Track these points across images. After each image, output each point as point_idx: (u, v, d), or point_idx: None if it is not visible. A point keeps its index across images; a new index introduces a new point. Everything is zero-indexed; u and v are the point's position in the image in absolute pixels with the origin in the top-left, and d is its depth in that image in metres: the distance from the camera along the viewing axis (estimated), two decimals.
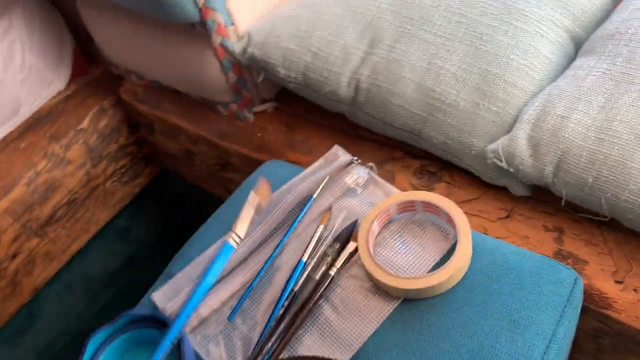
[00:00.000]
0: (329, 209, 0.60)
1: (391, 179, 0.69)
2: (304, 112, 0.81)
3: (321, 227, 0.58)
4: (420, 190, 0.67)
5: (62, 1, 0.99)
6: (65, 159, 0.91)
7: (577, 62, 0.61)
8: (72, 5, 0.93)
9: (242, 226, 0.56)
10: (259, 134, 0.81)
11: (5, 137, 0.92)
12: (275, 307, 0.53)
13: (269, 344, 0.51)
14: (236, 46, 0.73)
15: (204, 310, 0.55)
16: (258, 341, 0.52)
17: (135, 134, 1.00)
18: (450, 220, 0.54)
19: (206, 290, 0.52)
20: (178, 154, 0.98)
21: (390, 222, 0.58)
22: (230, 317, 0.54)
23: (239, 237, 0.55)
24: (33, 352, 1.01)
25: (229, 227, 0.56)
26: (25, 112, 0.93)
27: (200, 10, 0.68)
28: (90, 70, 1.01)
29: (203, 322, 0.55)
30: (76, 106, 0.95)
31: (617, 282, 0.55)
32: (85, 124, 0.93)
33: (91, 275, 1.08)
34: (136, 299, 0.61)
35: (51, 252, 0.95)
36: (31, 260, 0.92)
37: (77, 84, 0.98)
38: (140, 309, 0.55)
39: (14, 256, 0.89)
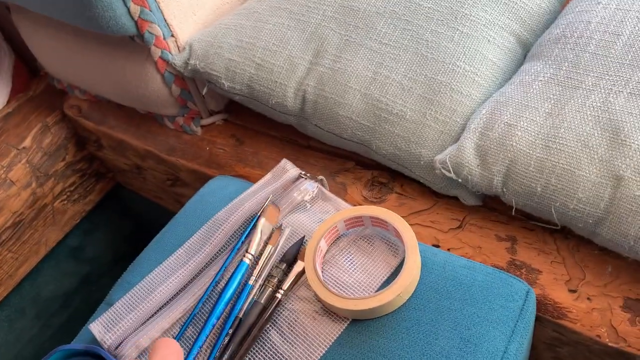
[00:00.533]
0: (279, 227, 0.58)
1: (343, 191, 0.67)
2: (254, 124, 0.78)
3: (270, 247, 0.56)
4: (371, 202, 0.65)
5: None
6: (7, 180, 0.87)
7: (525, 67, 0.60)
8: (9, 17, 0.88)
9: (254, 248, 0.55)
10: (208, 148, 0.78)
11: None
12: (220, 335, 0.51)
13: None
14: (177, 58, 0.70)
15: (144, 341, 0.52)
16: None
17: (83, 150, 0.96)
18: (398, 235, 0.52)
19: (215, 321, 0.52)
20: (128, 169, 0.94)
21: (339, 238, 0.56)
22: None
23: (252, 254, 0.55)
24: None
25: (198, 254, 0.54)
26: None
27: (136, 22, 0.65)
28: (33, 85, 0.96)
29: (144, 352, 0.52)
30: (17, 124, 0.90)
31: (571, 291, 0.54)
32: (27, 142, 0.88)
33: (44, 297, 1.03)
34: (77, 333, 0.58)
35: None
36: None
37: (18, 101, 0.93)
38: (76, 343, 0.52)
39: None
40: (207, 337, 0.51)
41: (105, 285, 1.15)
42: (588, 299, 0.53)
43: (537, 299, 0.53)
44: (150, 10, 0.64)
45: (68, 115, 0.90)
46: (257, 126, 0.78)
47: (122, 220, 1.12)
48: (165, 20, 0.67)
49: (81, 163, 0.97)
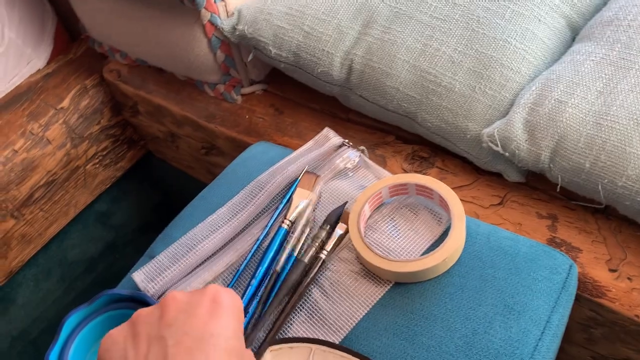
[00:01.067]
0: (316, 176, 0.58)
1: (382, 164, 0.67)
2: (294, 95, 0.79)
3: (309, 209, 0.56)
4: None
5: None
6: (44, 139, 0.88)
7: (575, 47, 0.60)
8: None
9: (293, 214, 0.56)
10: (247, 116, 0.78)
11: None
12: (258, 290, 0.51)
13: (260, 326, 0.49)
14: (225, 23, 0.70)
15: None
16: (244, 323, 0.50)
17: (118, 115, 0.97)
18: (443, 204, 0.52)
19: (261, 277, 0.52)
20: (162, 136, 0.95)
21: (382, 205, 0.56)
22: None
23: (290, 221, 0.55)
24: (6, 338, 0.98)
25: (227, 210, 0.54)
26: (2, 90, 0.90)
27: None
28: (73, 48, 0.97)
29: None
30: (56, 85, 0.91)
31: (611, 270, 0.54)
32: (65, 103, 0.89)
33: (70, 259, 1.04)
34: (116, 285, 0.59)
35: (28, 235, 0.92)
36: (6, 243, 0.88)
37: (58, 62, 0.95)
38: (120, 289, 0.53)
39: None
40: (251, 296, 0.52)
41: (129, 253, 1.16)
42: (629, 278, 0.54)
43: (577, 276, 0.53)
44: None
45: (107, 79, 0.91)
46: (296, 97, 0.79)
47: (150, 189, 1.13)
48: None
49: (115, 128, 0.98)
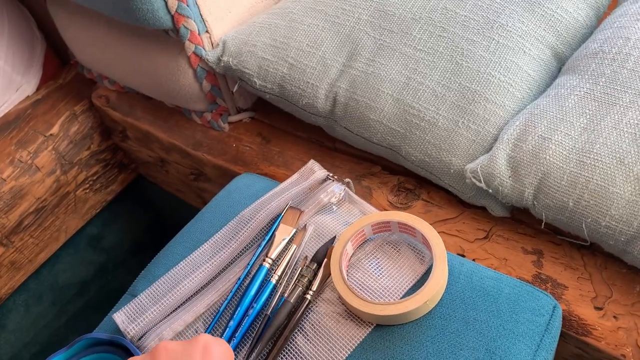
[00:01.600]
0: (304, 228, 0.58)
1: (368, 195, 0.67)
2: (281, 123, 0.78)
3: (294, 246, 0.56)
4: (397, 207, 0.65)
5: (33, 2, 0.95)
6: (33, 166, 0.88)
7: (560, 80, 0.60)
8: (44, 6, 0.89)
9: (275, 252, 0.56)
10: (234, 145, 0.78)
11: None
12: (245, 332, 0.51)
13: None
14: (210, 54, 0.70)
15: (167, 333, 0.52)
16: None
17: (108, 140, 0.97)
18: (426, 243, 0.52)
19: (240, 318, 0.52)
20: (152, 161, 0.95)
21: (365, 242, 0.55)
22: None
23: (271, 259, 0.55)
24: None
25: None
26: None
27: (172, 16, 0.65)
28: (62, 73, 0.97)
29: None
30: (46, 111, 0.91)
31: (597, 308, 0.54)
32: (55, 129, 0.89)
33: (61, 284, 1.04)
34: (108, 308, 0.58)
35: (17, 262, 0.92)
36: None
37: (48, 88, 0.94)
38: (100, 332, 0.52)
39: None
40: (230, 337, 0.51)
41: (121, 275, 1.16)
42: (614, 317, 0.53)
43: (562, 315, 0.52)
44: (187, 5, 0.65)
45: (96, 104, 0.91)
46: (283, 126, 0.78)
47: (141, 211, 1.12)
48: (201, 16, 0.67)
49: (105, 153, 0.98)
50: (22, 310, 0.99)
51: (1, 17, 0.88)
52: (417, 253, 0.53)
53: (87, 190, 0.97)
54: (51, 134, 0.89)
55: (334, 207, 0.60)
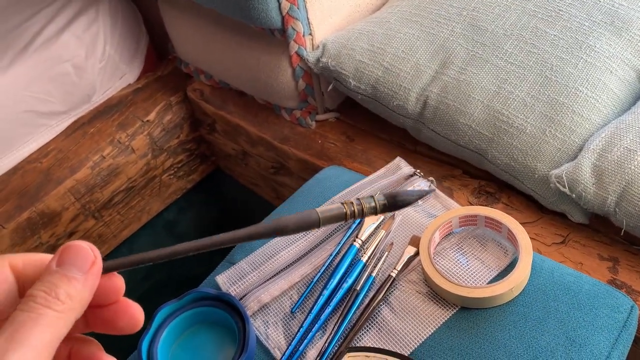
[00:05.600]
0: (392, 216, 0.62)
1: (450, 196, 0.71)
2: (364, 125, 0.84)
3: (383, 232, 0.61)
4: None
5: (141, 1, 1.04)
6: (129, 147, 0.95)
7: None
8: (150, 4, 0.98)
9: (364, 234, 0.60)
10: (320, 141, 0.84)
11: (76, 121, 0.97)
12: (333, 305, 0.55)
13: (331, 338, 0.53)
14: (311, 55, 0.76)
15: (265, 297, 0.57)
16: (314, 331, 0.54)
17: (195, 131, 1.04)
18: (511, 237, 0.56)
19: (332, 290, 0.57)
20: (233, 154, 1.01)
21: (450, 234, 0.59)
22: (293, 310, 0.56)
23: (361, 240, 0.60)
24: None
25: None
26: (97, 100, 0.98)
27: (283, 17, 0.72)
28: (161, 67, 1.06)
29: (264, 307, 0.57)
30: (145, 99, 0.99)
31: None
32: (151, 116, 0.97)
33: None
34: (172, 292, 0.63)
35: (104, 235, 0.99)
36: (85, 240, 0.95)
37: (147, 79, 1.03)
38: (207, 288, 0.58)
39: (71, 234, 0.93)
40: (321, 307, 0.56)
41: (185, 263, 1.22)
42: None
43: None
44: (298, 8, 0.71)
45: (190, 97, 0.98)
46: (367, 127, 0.84)
47: (214, 203, 1.19)
48: (308, 19, 0.74)
49: (191, 143, 1.05)
50: None
51: (115, 11, 0.97)
52: (502, 247, 0.57)
53: (172, 176, 1.04)
54: (148, 120, 0.97)
55: (419, 201, 0.65)
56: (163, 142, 1.00)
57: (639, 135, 0.58)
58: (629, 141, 0.58)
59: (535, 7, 0.72)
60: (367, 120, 0.83)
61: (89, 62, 0.92)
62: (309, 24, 0.75)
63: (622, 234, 0.59)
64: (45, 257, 0.29)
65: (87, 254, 0.28)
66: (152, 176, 1.01)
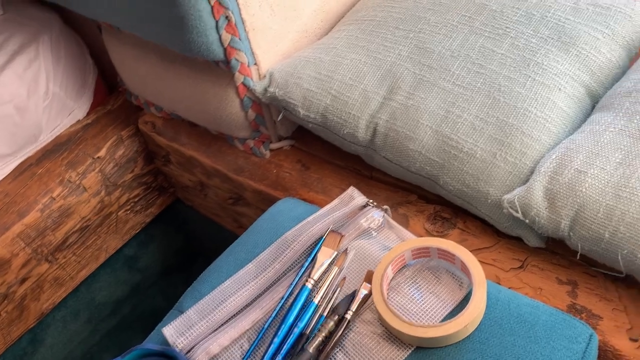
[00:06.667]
0: (345, 251, 0.60)
1: (405, 223, 0.69)
2: (319, 152, 0.82)
3: (335, 269, 0.59)
4: (434, 235, 0.67)
5: (87, 31, 1.01)
6: (80, 187, 0.92)
7: (595, 116, 0.62)
8: (97, 35, 0.95)
9: (317, 273, 0.58)
10: (275, 171, 0.81)
11: (23, 162, 0.93)
12: (285, 351, 0.53)
13: None
14: (258, 85, 0.74)
15: (214, 347, 0.54)
16: None
17: (150, 164, 1.01)
18: (465, 269, 0.54)
19: (284, 336, 0.54)
20: (191, 185, 0.98)
21: (404, 267, 0.58)
22: (245, 359, 0.54)
23: (314, 279, 0.57)
24: None
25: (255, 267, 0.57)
26: (45, 139, 0.95)
27: (225, 49, 0.70)
28: (111, 100, 1.03)
29: (213, 358, 0.54)
30: (95, 135, 0.96)
31: (632, 339, 0.55)
32: (102, 152, 0.94)
33: (97, 302, 1.07)
34: (139, 327, 0.61)
35: (60, 278, 0.95)
36: (39, 285, 0.92)
37: (97, 113, 1.00)
38: (151, 344, 0.55)
39: (23, 281, 0.90)
40: (272, 356, 0.53)
41: (152, 296, 1.19)
42: None
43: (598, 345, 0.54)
44: (240, 39, 0.69)
45: (142, 130, 0.95)
46: (322, 154, 0.82)
47: (175, 234, 1.16)
48: (252, 49, 0.72)
49: (147, 176, 1.02)
50: (60, 327, 1.02)
51: (58, 46, 0.94)
52: (456, 279, 0.55)
53: (128, 212, 1.01)
54: (99, 157, 0.93)
55: (373, 232, 0.63)
56: (116, 178, 0.96)
57: (589, 156, 0.57)
58: (579, 162, 0.57)
59: (482, 26, 0.71)
60: (323, 147, 0.81)
61: (31, 101, 0.88)
62: (252, 54, 0.73)
63: (578, 257, 0.58)
64: None
65: None
66: (107, 213, 0.98)
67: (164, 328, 0.58)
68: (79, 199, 0.92)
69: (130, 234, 1.04)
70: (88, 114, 0.99)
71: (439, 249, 0.56)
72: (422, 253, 0.57)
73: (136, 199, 1.02)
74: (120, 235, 1.02)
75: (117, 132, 0.96)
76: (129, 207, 1.01)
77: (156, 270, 1.17)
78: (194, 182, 0.97)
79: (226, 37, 0.68)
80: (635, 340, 0.55)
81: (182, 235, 1.18)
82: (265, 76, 0.75)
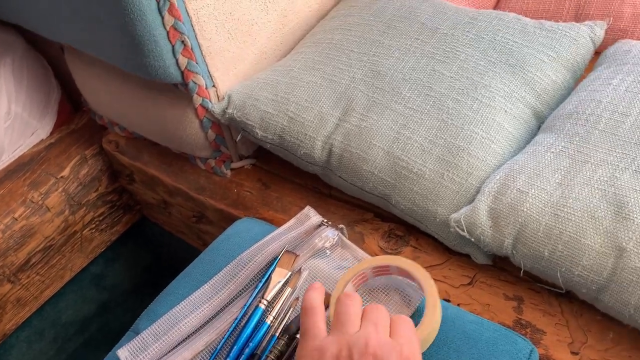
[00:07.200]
0: (299, 271, 0.62)
1: (361, 241, 0.71)
2: (280, 170, 0.83)
3: (289, 289, 0.60)
4: (388, 253, 0.69)
5: (52, 53, 1.02)
6: (43, 206, 0.92)
7: (538, 138, 0.65)
8: (60, 56, 0.96)
9: (270, 294, 0.59)
10: (236, 190, 0.83)
11: None
12: None
13: None
14: (216, 107, 0.76)
15: None
16: None
17: (115, 183, 1.02)
18: (420, 288, 0.55)
19: (235, 356, 0.55)
20: (155, 203, 0.99)
21: (364, 284, 0.59)
22: None
23: (267, 300, 0.58)
24: None
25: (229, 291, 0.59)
26: (7, 159, 0.95)
27: (182, 73, 0.71)
28: (75, 119, 1.03)
29: None
30: (58, 154, 0.96)
31: (573, 353, 0.57)
32: (66, 172, 0.94)
33: (63, 321, 1.07)
34: (106, 346, 0.61)
35: (23, 298, 0.95)
36: (1, 307, 0.91)
37: (61, 133, 1.00)
38: None
39: None
40: None
41: (121, 313, 1.19)
42: None
43: (540, 359, 0.56)
44: (197, 63, 0.70)
45: (106, 149, 0.96)
46: (282, 173, 0.83)
47: (142, 251, 1.16)
48: (209, 72, 0.73)
49: (112, 195, 1.02)
50: (24, 347, 1.01)
51: (20, 68, 0.94)
52: (404, 297, 0.57)
53: (93, 230, 1.01)
54: (62, 176, 0.93)
55: (327, 251, 0.64)
56: (81, 197, 0.97)
57: (531, 177, 0.59)
58: (521, 183, 0.59)
59: (433, 49, 0.73)
60: (283, 166, 0.82)
61: None
62: (210, 76, 0.74)
63: (521, 274, 0.60)
64: None
65: None
66: (71, 232, 0.98)
67: (118, 350, 0.58)
68: (42, 219, 0.92)
69: (96, 252, 1.04)
70: (51, 133, 1.00)
71: (398, 268, 0.57)
72: (382, 271, 0.58)
73: (101, 218, 1.02)
74: (85, 254, 1.02)
75: (80, 151, 0.96)
76: (94, 225, 1.01)
77: (124, 288, 1.16)
78: (157, 200, 0.97)
79: (183, 61, 0.69)
80: (577, 354, 0.57)
81: (149, 253, 1.18)
82: (224, 98, 0.76)
